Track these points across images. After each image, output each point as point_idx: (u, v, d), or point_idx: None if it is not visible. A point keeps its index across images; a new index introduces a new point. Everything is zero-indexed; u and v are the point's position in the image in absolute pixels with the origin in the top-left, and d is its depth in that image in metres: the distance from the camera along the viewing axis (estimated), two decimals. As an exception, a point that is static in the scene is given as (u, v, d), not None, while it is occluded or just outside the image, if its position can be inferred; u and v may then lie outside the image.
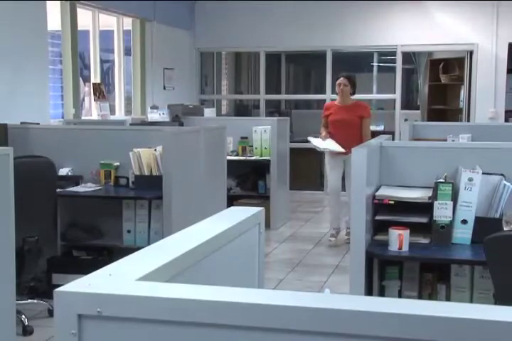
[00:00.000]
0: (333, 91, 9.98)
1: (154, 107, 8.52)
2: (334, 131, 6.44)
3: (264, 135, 7.31)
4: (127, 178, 4.96)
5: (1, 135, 4.97)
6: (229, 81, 11.90)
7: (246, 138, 7.43)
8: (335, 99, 6.79)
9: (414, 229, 2.95)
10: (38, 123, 5.76)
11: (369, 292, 2.98)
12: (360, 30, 9.67)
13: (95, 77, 8.13)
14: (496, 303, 2.60)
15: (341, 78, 6.58)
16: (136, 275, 1.02)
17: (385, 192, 3.12)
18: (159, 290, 0.97)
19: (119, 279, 1.02)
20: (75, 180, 5.04)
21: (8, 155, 2.79)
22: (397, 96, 9.82)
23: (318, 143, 6.46)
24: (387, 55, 10.88)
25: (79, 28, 7.48)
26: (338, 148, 6.24)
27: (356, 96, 6.67)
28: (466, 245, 2.97)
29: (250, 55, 11.65)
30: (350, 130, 6.36)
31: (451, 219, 2.97)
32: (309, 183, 9.75)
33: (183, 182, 4.75)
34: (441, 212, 2.97)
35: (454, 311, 0.87)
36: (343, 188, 6.61)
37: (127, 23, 8.88)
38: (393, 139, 7.44)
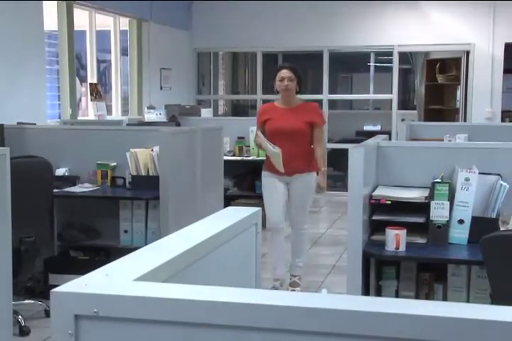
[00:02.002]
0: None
1: (151, 107, 8.52)
2: (274, 143, 4.56)
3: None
4: (124, 178, 4.96)
5: (-2, 135, 4.97)
6: (226, 81, 11.89)
7: (243, 138, 7.43)
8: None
9: (411, 229, 2.95)
10: (35, 124, 5.75)
11: (366, 292, 2.98)
12: (356, 31, 9.67)
13: (92, 77, 8.13)
14: (492, 303, 2.60)
15: (285, 70, 4.67)
16: (133, 276, 1.02)
17: (381, 192, 3.12)
18: (156, 291, 0.97)
19: (115, 279, 1.02)
20: (72, 180, 5.04)
21: (5, 155, 2.79)
22: (393, 96, 9.83)
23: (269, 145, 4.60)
24: (383, 55, 10.89)
25: (75, 28, 7.47)
26: (280, 166, 4.58)
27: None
28: (462, 245, 2.97)
29: (247, 55, 11.65)
30: (297, 141, 4.64)
31: (447, 219, 2.97)
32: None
33: (180, 183, 4.75)
34: (438, 211, 2.97)
35: (451, 311, 0.87)
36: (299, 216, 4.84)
37: (124, 23, 8.87)
38: (390, 139, 7.45)
